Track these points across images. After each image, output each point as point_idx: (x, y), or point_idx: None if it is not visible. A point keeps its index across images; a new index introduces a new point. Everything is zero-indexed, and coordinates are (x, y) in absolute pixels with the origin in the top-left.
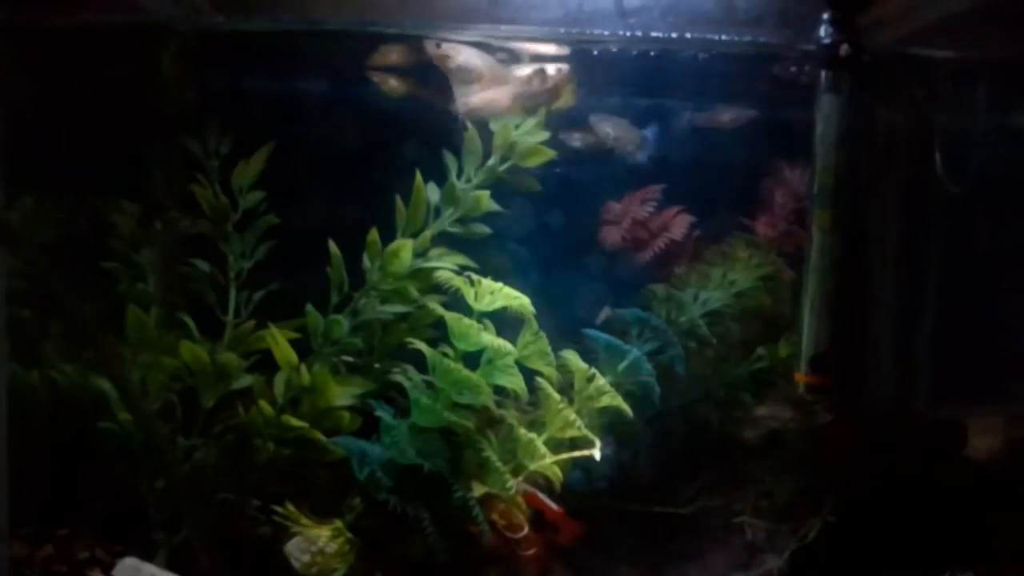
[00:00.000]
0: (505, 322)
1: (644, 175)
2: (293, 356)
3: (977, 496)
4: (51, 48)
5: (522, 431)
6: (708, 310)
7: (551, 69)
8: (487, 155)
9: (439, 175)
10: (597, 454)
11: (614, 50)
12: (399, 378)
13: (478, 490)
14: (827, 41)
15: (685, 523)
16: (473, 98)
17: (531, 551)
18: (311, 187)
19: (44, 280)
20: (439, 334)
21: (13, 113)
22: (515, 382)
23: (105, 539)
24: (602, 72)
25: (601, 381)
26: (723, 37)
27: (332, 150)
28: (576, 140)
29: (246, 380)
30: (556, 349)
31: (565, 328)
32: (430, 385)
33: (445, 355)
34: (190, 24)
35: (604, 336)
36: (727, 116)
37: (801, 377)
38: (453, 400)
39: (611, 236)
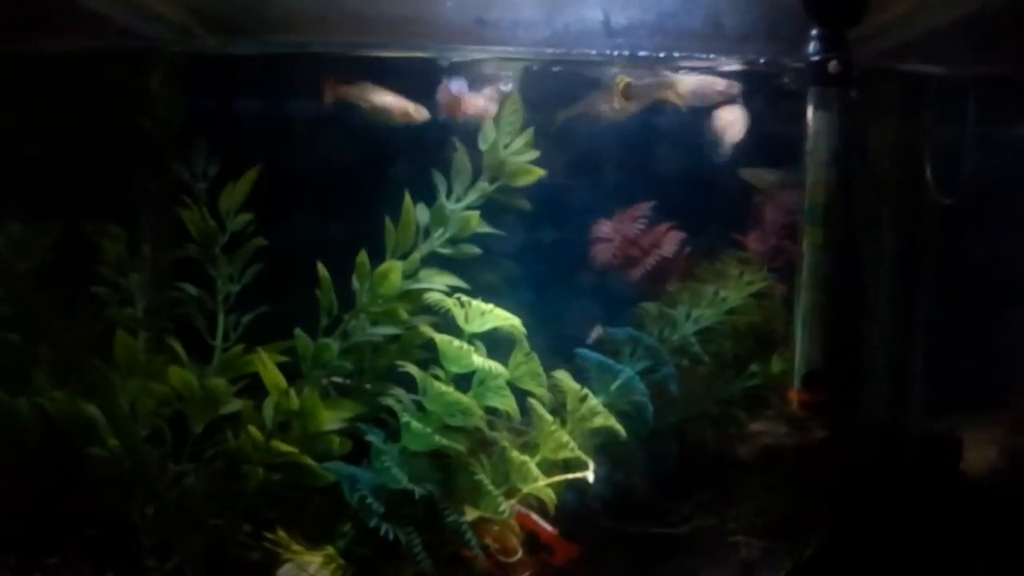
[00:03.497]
0: (497, 342)
1: None
2: (282, 380)
3: (973, 510)
4: (39, 73)
5: (515, 453)
6: (700, 327)
7: None
8: (477, 174)
9: (429, 195)
10: (591, 476)
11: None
12: (390, 401)
13: (471, 514)
14: (816, 58)
15: (680, 543)
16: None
17: (526, 574)
18: (299, 209)
19: (31, 306)
20: (430, 355)
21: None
22: (507, 403)
23: (95, 567)
24: None
25: (594, 401)
26: (711, 55)
27: (320, 172)
28: None
29: (235, 405)
30: (548, 369)
31: (557, 348)
32: (421, 408)
33: (436, 377)
34: (180, 48)
35: (596, 356)
36: None
37: (795, 394)
38: (444, 423)
39: (602, 254)
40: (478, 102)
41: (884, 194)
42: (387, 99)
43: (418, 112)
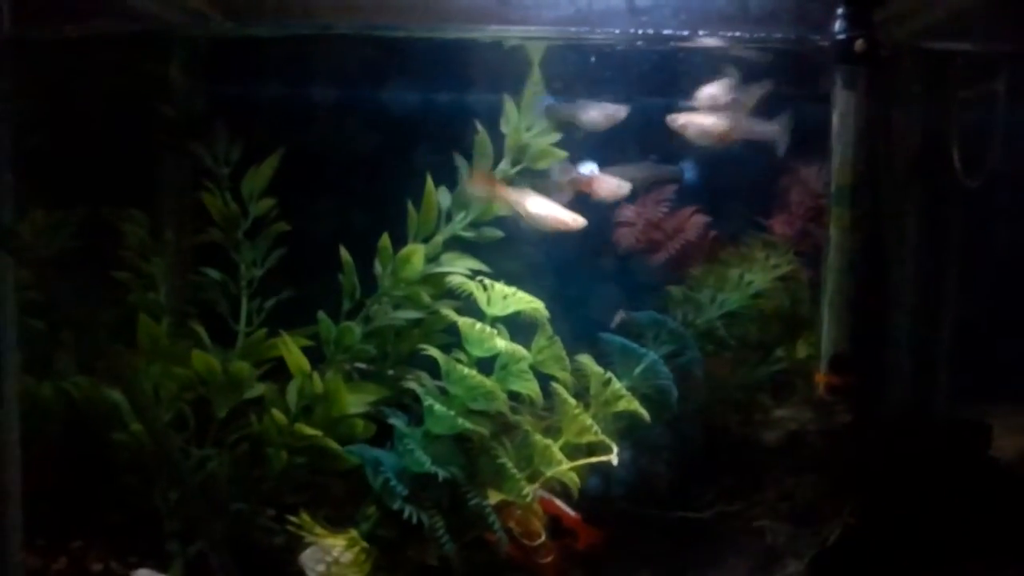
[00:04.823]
0: (519, 326)
1: None
2: (306, 364)
3: (1002, 497)
4: (59, 59)
5: (538, 437)
6: (725, 311)
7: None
8: (499, 158)
9: (452, 179)
10: (615, 459)
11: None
12: (412, 385)
13: (494, 497)
14: (842, 36)
15: (704, 528)
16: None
17: (549, 558)
18: (322, 193)
19: (54, 291)
20: (453, 339)
21: (22, 125)
22: (530, 387)
23: (119, 551)
24: None
25: (617, 385)
26: (736, 34)
27: (342, 156)
28: None
29: (259, 389)
30: (571, 353)
31: (580, 332)
32: (444, 391)
33: (459, 361)
34: (199, 31)
35: (620, 339)
36: None
37: (821, 377)
38: (467, 406)
39: (626, 238)
40: (610, 183)
41: (912, 175)
42: (544, 208)
43: (575, 222)
